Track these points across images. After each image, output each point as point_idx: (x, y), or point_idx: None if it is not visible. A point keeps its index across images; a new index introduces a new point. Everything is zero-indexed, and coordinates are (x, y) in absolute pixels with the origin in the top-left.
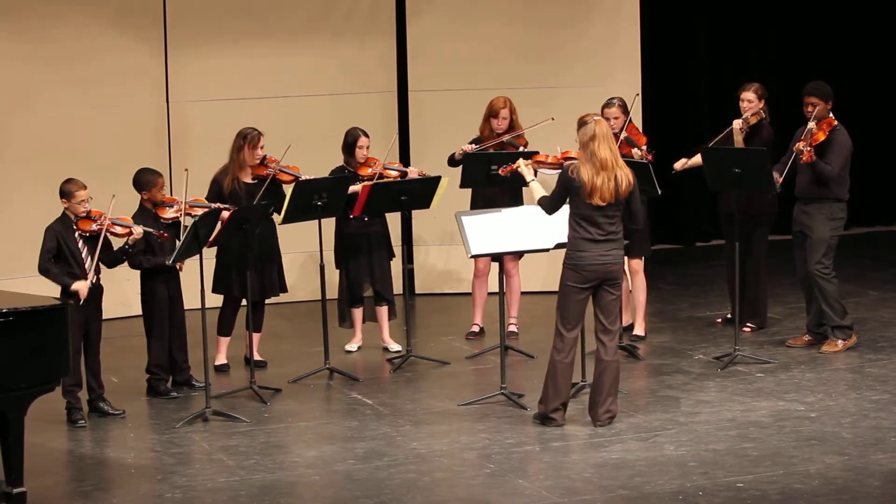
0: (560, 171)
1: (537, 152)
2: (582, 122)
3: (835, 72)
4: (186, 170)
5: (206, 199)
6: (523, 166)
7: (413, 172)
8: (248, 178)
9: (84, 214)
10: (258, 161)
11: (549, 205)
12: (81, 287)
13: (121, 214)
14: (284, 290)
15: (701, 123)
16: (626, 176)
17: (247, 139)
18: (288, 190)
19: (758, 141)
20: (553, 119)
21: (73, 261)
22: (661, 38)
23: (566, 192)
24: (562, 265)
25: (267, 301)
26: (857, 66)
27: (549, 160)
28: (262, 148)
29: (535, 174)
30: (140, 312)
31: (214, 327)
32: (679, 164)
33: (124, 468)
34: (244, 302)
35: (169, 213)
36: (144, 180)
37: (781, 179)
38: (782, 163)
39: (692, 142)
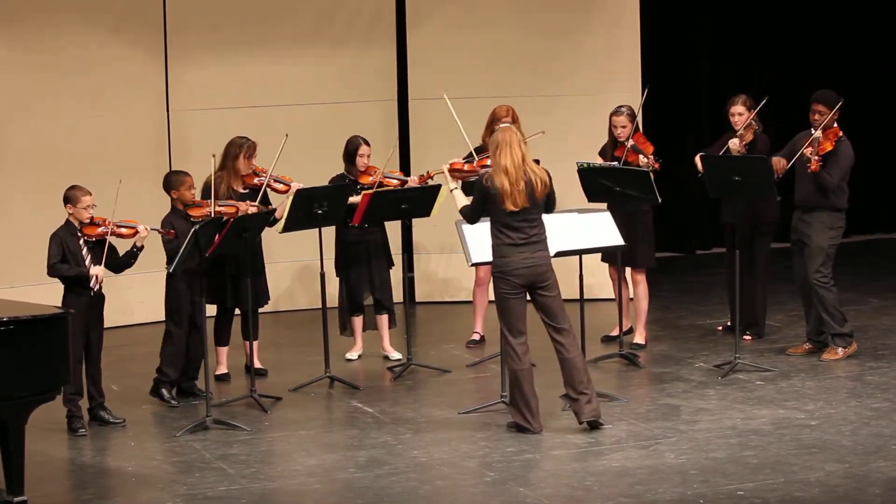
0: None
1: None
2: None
3: (835, 78)
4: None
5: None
6: (446, 171)
7: (413, 181)
8: (239, 188)
9: (88, 220)
10: (251, 171)
11: (470, 214)
12: (98, 271)
13: (127, 217)
14: (268, 299)
15: (702, 130)
16: (540, 179)
17: (243, 148)
18: (279, 199)
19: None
20: (543, 132)
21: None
22: (661, 46)
23: (484, 200)
24: (492, 276)
25: (267, 310)
26: (857, 72)
27: (466, 168)
28: (255, 158)
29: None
30: (139, 321)
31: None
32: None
33: (125, 477)
34: (236, 312)
35: (199, 213)
36: (172, 179)
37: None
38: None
39: (693, 148)
